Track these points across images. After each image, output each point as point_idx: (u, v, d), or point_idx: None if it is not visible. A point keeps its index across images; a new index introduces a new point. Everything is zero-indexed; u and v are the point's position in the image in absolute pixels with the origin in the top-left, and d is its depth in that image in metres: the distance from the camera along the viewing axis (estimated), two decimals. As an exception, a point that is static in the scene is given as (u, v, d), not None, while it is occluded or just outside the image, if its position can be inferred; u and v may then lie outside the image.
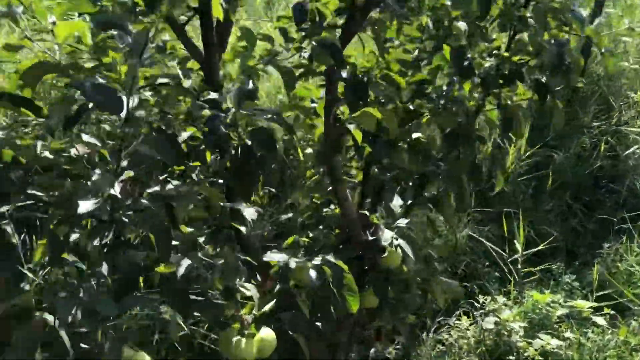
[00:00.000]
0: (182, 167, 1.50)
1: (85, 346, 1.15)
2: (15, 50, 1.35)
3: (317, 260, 1.44)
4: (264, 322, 1.46)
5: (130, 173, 1.09)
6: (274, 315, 1.57)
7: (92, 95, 1.02)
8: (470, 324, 3.23)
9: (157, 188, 1.46)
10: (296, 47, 1.62)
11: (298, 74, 1.74)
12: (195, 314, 1.33)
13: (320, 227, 1.82)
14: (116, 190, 1.05)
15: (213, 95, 1.35)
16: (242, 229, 1.56)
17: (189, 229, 1.66)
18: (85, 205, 1.10)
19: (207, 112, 1.38)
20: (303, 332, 1.55)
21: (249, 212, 1.49)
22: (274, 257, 1.43)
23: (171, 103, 1.50)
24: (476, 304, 3.29)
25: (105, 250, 1.22)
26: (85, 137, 1.10)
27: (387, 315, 1.73)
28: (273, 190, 3.58)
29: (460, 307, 3.38)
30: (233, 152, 1.29)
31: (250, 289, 1.36)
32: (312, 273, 1.40)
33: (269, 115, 1.28)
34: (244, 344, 1.36)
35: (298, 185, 2.26)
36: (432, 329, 3.28)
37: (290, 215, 2.19)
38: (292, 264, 1.41)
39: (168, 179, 1.41)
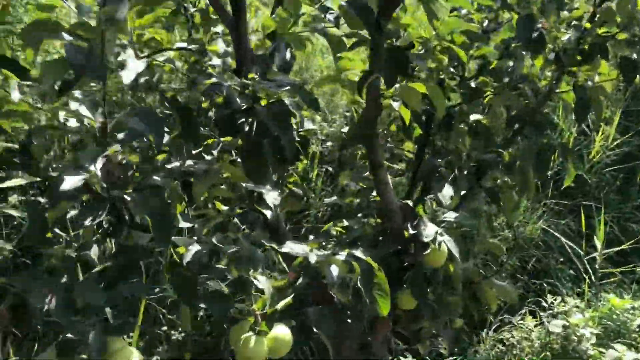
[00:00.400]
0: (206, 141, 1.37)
1: (70, 335, 1.05)
2: (49, 10, 1.26)
3: (342, 255, 1.27)
4: (284, 317, 1.32)
5: (117, 147, 0.96)
6: (297, 309, 1.43)
7: (72, 56, 0.90)
8: (536, 325, 2.96)
9: (177, 163, 1.35)
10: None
11: (349, 45, 1.57)
12: (202, 306, 1.20)
13: (360, 215, 1.64)
14: (97, 166, 0.92)
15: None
16: (267, 213, 1.42)
17: (224, 207, 1.54)
18: (70, 182, 0.99)
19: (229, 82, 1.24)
20: (330, 330, 1.39)
21: (271, 196, 1.34)
22: (293, 248, 1.27)
23: (193, 72, 1.37)
24: (544, 304, 3.02)
25: (100, 231, 1.11)
26: (73, 105, 0.98)
27: (426, 319, 1.54)
28: (330, 169, 3.44)
29: (526, 306, 3.12)
30: (248, 128, 1.14)
31: (261, 282, 1.22)
32: (333, 269, 1.24)
33: (290, 87, 1.11)
34: (253, 342, 1.22)
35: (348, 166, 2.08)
36: (493, 327, 3.05)
37: (333, 199, 2.03)
38: (313, 257, 1.25)
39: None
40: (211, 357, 1.34)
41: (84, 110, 1.00)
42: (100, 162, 0.94)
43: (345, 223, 1.58)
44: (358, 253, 1.31)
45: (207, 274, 1.23)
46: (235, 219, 1.52)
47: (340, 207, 2.85)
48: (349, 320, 1.52)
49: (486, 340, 3.00)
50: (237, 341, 1.25)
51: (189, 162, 1.35)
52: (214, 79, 1.12)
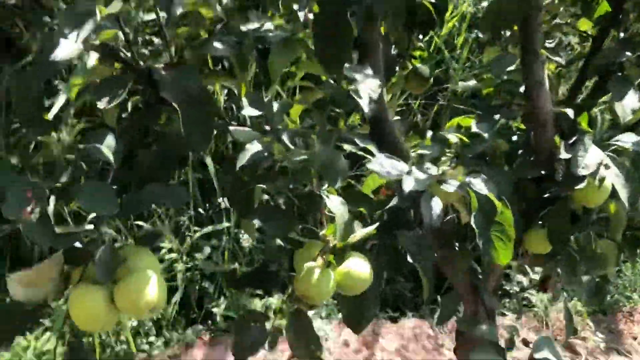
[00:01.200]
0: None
1: (78, 245, 0.83)
2: None
3: (451, 184, 0.91)
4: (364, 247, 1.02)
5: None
6: (389, 232, 1.11)
7: None
8: None
9: (251, 26, 1.01)
10: None
11: None
12: (257, 223, 0.92)
13: (497, 117, 1.21)
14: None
15: None
16: (363, 103, 1.05)
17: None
18: (63, 51, 0.69)
19: None
20: (427, 261, 1.07)
21: (368, 86, 0.96)
22: (383, 165, 0.91)
23: None
24: None
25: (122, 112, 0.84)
26: None
27: (562, 272, 1.15)
28: (481, 35, 2.88)
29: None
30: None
31: (333, 201, 0.90)
32: (435, 204, 0.88)
33: None
34: (316, 277, 0.94)
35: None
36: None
37: (471, 83, 1.58)
38: (409, 183, 0.89)
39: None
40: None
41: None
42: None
43: (474, 127, 1.16)
44: (478, 182, 0.93)
45: (267, 183, 0.93)
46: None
47: (477, 94, 2.36)
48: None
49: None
50: (299, 271, 0.97)
51: (268, 24, 1.01)
52: None
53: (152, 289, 0.81)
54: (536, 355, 1.02)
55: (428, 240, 1.02)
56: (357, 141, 1.06)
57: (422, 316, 2.81)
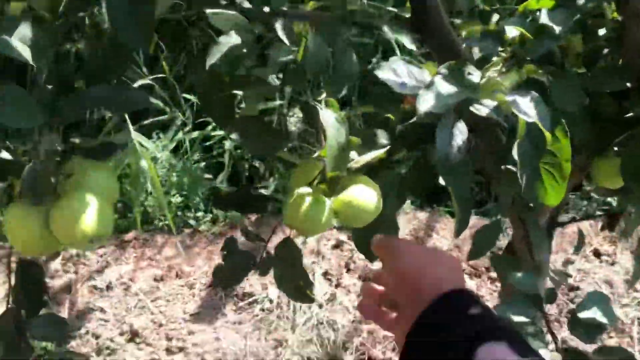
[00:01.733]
0: None
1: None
2: None
3: (487, 103, 0.67)
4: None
5: None
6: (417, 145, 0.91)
7: None
8: None
9: None
10: None
11: None
12: (234, 137, 0.74)
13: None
14: None
15: None
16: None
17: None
18: None
19: None
20: (462, 183, 0.86)
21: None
22: (398, 71, 0.68)
23: None
24: None
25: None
26: None
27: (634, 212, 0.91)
28: None
29: None
30: None
31: (326, 116, 0.69)
32: (457, 133, 0.65)
33: None
34: (305, 207, 0.76)
35: None
36: None
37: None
38: (427, 101, 0.66)
39: None
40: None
41: None
42: None
43: (544, 16, 0.88)
44: (525, 103, 0.68)
45: (247, 87, 0.73)
46: None
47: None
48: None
49: None
50: (289, 197, 0.80)
51: None
52: None
53: (90, 216, 0.66)
54: (581, 315, 0.83)
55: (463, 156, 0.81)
56: (387, 29, 0.83)
57: (485, 214, 2.61)
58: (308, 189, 0.79)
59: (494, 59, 0.86)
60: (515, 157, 0.73)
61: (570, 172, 0.77)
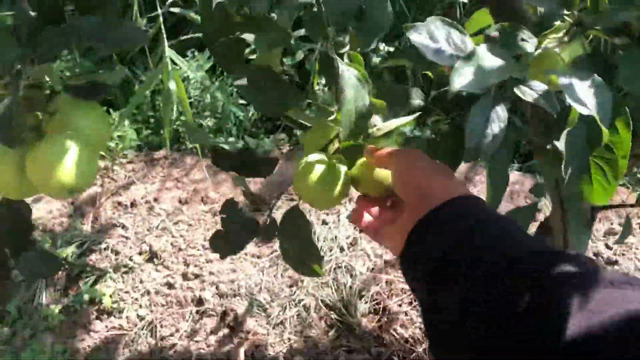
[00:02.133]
0: None
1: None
2: None
3: (535, 86, 0.55)
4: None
5: None
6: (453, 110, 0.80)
7: None
8: None
9: None
10: None
11: None
12: (240, 84, 0.65)
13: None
14: None
15: None
16: None
17: None
18: None
19: None
20: (499, 162, 0.76)
21: None
22: (434, 34, 0.56)
23: None
24: None
25: None
26: None
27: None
28: None
29: None
30: None
31: (344, 70, 0.59)
32: (495, 117, 0.54)
33: None
34: (316, 177, 0.68)
35: None
36: None
37: None
38: (463, 74, 0.54)
39: None
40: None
41: None
42: None
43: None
44: (582, 87, 0.56)
45: (258, 30, 0.63)
46: None
47: None
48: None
49: None
50: (299, 164, 0.71)
51: None
52: None
53: (69, 165, 0.59)
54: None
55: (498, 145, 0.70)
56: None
57: (530, 170, 2.47)
58: (321, 156, 0.70)
59: (556, 23, 0.73)
60: (561, 147, 0.62)
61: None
